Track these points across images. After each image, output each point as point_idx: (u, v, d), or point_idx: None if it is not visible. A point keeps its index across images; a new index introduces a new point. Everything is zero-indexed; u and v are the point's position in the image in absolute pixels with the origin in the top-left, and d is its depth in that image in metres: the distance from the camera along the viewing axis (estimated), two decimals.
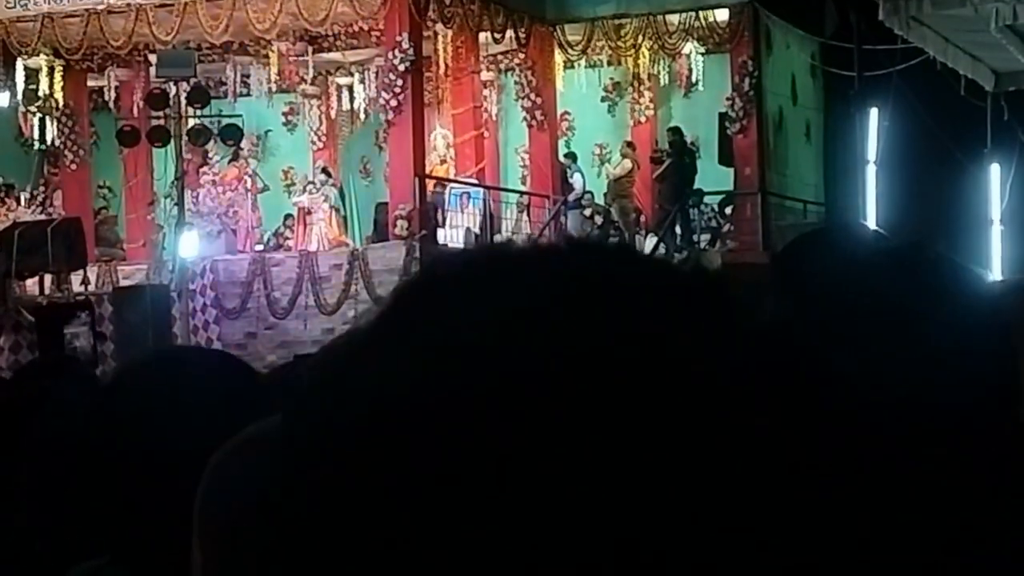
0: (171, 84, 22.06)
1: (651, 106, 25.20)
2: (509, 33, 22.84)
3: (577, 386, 0.69)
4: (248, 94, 24.30)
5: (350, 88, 24.63)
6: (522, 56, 23.66)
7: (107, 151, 24.66)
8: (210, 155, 23.97)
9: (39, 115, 24.06)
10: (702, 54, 24.21)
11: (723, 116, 23.76)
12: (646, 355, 0.70)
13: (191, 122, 22.37)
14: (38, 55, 22.99)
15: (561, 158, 24.14)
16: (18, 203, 23.66)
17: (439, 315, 0.74)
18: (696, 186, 23.28)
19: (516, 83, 24.14)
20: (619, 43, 24.25)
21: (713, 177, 23.45)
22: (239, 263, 21.81)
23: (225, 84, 24.21)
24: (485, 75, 24.49)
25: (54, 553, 2.05)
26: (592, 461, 0.68)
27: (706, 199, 23.16)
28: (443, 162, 23.70)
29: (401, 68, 21.24)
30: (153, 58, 22.57)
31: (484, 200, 22.46)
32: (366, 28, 22.76)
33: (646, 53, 24.49)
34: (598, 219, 23.42)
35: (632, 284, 0.73)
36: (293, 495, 0.76)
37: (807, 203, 24.21)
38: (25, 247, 19.63)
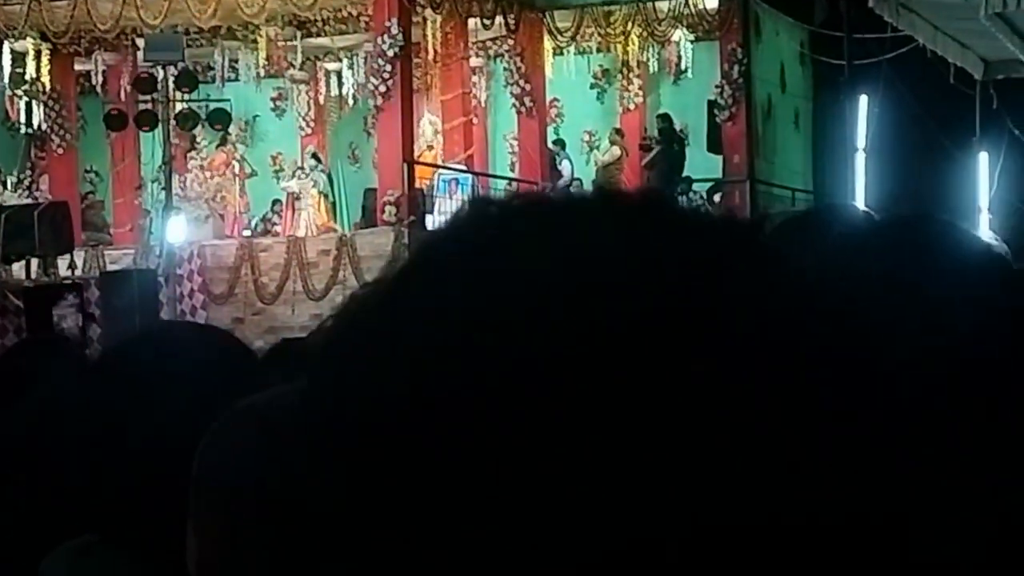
0: (159, 68, 21.99)
1: (640, 93, 25.17)
2: (498, 19, 22.80)
3: (625, 348, 0.67)
4: (236, 79, 24.23)
5: (339, 74, 24.57)
6: (511, 42, 23.62)
7: (94, 135, 24.59)
8: (198, 140, 23.93)
9: (26, 99, 23.97)
10: (691, 41, 24.19)
11: (712, 104, 23.75)
12: (694, 313, 0.69)
13: (179, 106, 22.32)
14: (25, 38, 22.90)
15: (550, 145, 24.11)
16: (4, 187, 23.59)
17: (469, 277, 0.71)
18: (685, 173, 23.27)
19: (505, 69, 24.10)
20: (608, 30, 24.22)
21: (702, 165, 23.44)
22: (227, 248, 21.77)
23: (213, 69, 24.13)
24: (474, 61, 24.45)
25: (42, 530, 2.02)
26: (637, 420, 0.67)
27: (695, 186, 23.14)
28: (431, 148, 23.66)
29: (390, 54, 21.19)
30: (141, 42, 22.47)
31: (473, 186, 22.43)
32: (355, 13, 22.70)
33: (635, 40, 24.46)
34: None
35: (673, 238, 0.72)
36: (314, 466, 0.74)
37: (795, 191, 24.22)
38: (11, 231, 19.57)
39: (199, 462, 1.61)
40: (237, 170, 23.66)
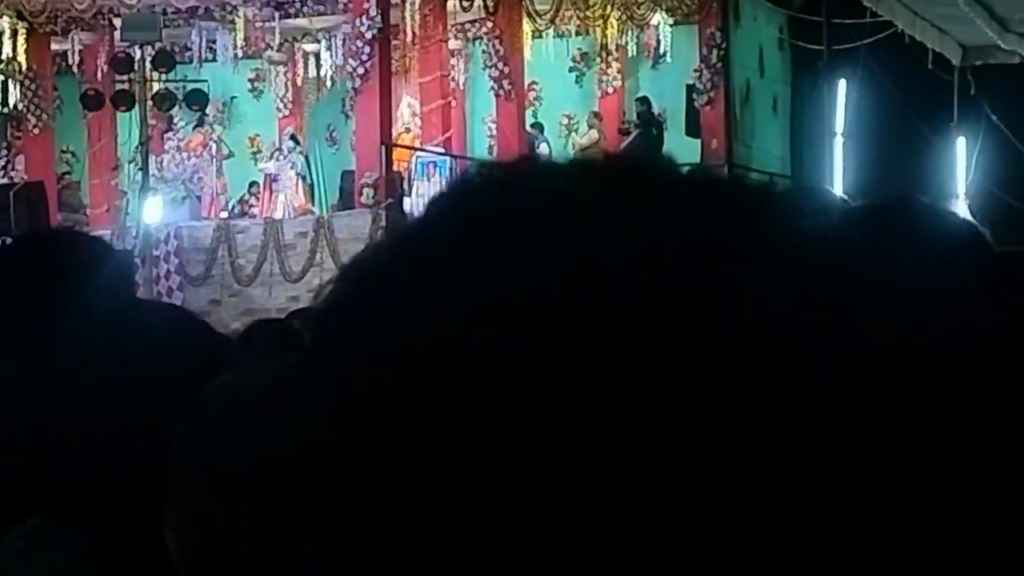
0: (136, 48, 21.89)
1: (619, 77, 25.14)
2: (477, 1, 22.72)
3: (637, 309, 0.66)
4: (214, 60, 24.12)
5: (317, 55, 24.48)
6: (490, 25, 23.55)
7: (71, 115, 24.47)
8: (175, 121, 23.84)
9: (1, 78, 23.83)
10: (670, 25, 24.15)
11: (691, 88, 23.74)
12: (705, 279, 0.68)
13: (156, 87, 22.21)
14: (1, 17, 22.77)
15: (528, 128, 24.07)
16: None
17: (464, 256, 0.70)
18: None
19: (484, 52, 24.04)
20: (587, 13, 24.17)
21: (680, 149, 23.41)
22: (204, 230, 21.70)
23: (190, 49, 24.02)
24: (453, 44, 24.38)
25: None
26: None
27: None
28: (409, 130, 23.60)
29: (368, 35, 21.12)
30: (118, 22, 22.37)
31: (451, 169, 22.39)
32: None
33: (614, 23, 24.41)
34: None
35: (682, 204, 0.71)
36: (304, 445, 0.72)
37: (773, 175, 24.22)
38: None
39: (179, 440, 1.60)
40: (214, 151, 23.57)
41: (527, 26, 24.07)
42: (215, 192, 23.37)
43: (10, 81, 23.85)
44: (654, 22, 24.26)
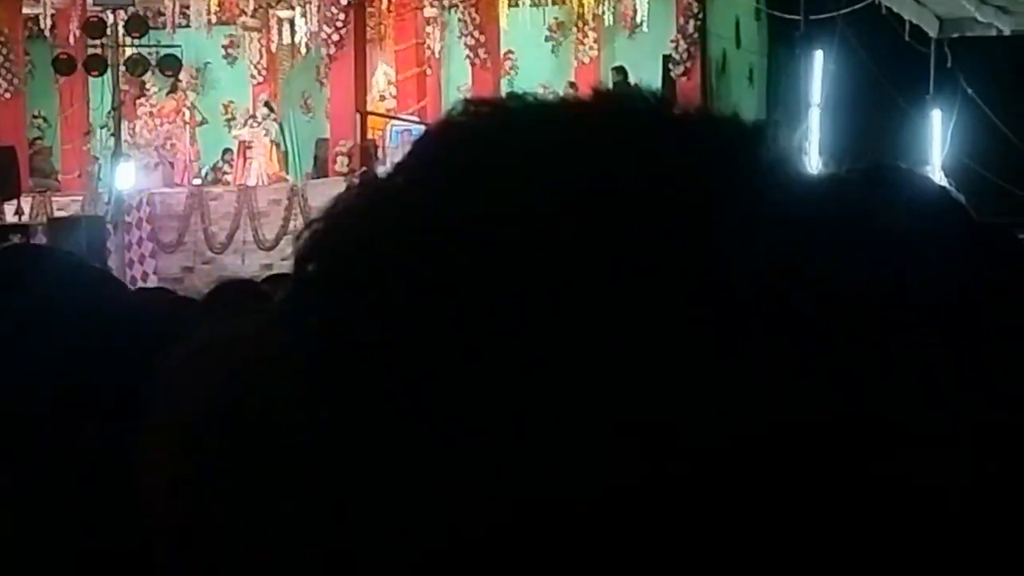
0: (108, 12, 21.82)
1: (595, 47, 25.14)
2: None
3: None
4: (187, 25, 24.06)
5: (291, 21, 24.41)
6: None
7: (42, 80, 24.38)
8: (148, 86, 23.78)
9: None
10: None
11: (667, 58, 23.78)
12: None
13: (128, 52, 22.16)
14: None
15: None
16: None
17: (455, 189, 0.68)
18: None
19: (460, 20, 24.01)
20: None
21: None
22: (176, 196, 21.68)
23: (164, 14, 23.93)
24: (428, 11, 24.34)
25: None
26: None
27: None
28: (384, 99, 23.59)
29: (343, 2, 21.09)
30: None
31: None
32: None
33: None
34: None
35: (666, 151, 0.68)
36: (290, 391, 0.70)
37: None
38: None
39: (147, 398, 1.56)
40: (188, 117, 23.54)
41: None
42: (188, 159, 23.35)
43: None
44: None
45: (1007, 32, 21.13)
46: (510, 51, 25.01)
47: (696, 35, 23.47)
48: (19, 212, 20.41)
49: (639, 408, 0.63)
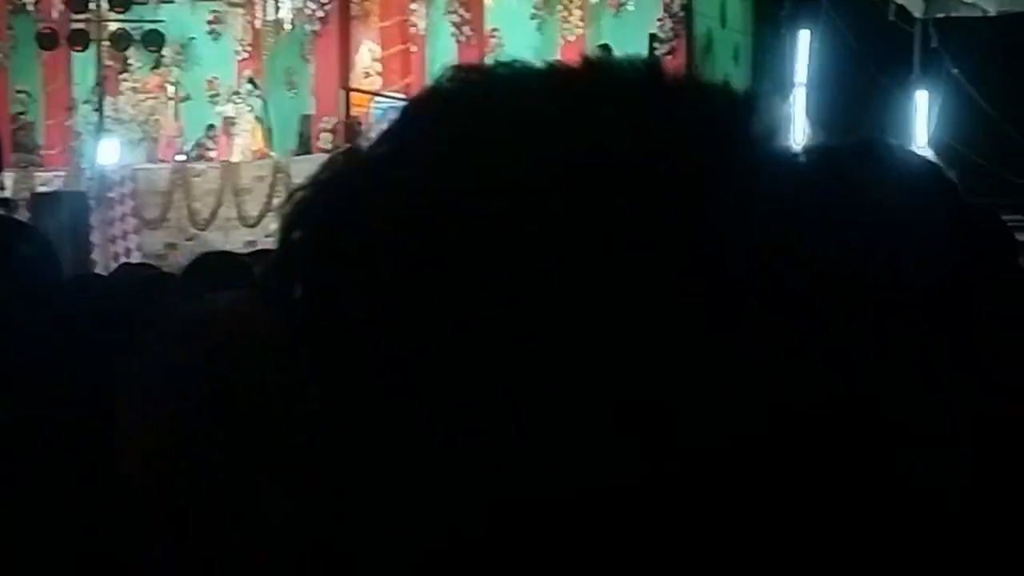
0: None
1: (581, 24, 25.08)
2: None
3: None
4: (171, 0, 23.93)
5: None
6: None
7: (25, 55, 24.24)
8: (131, 61, 23.67)
9: None
10: None
11: (653, 37, 23.74)
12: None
13: (112, 27, 22.04)
14: None
15: None
16: None
17: (445, 159, 0.67)
18: None
19: None
20: None
21: None
22: (160, 172, 21.61)
23: None
24: None
25: None
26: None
27: None
28: (368, 75, 23.52)
29: None
30: None
31: None
32: None
33: None
34: None
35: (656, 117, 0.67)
36: (279, 363, 0.69)
37: None
38: None
39: (129, 372, 1.55)
40: (171, 93, 23.44)
41: None
42: (171, 135, 23.27)
43: None
44: None
45: (992, 12, 21.13)
46: (495, 29, 24.93)
47: (682, 14, 23.43)
48: (1, 187, 20.33)
49: (632, 382, 0.63)
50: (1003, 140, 20.26)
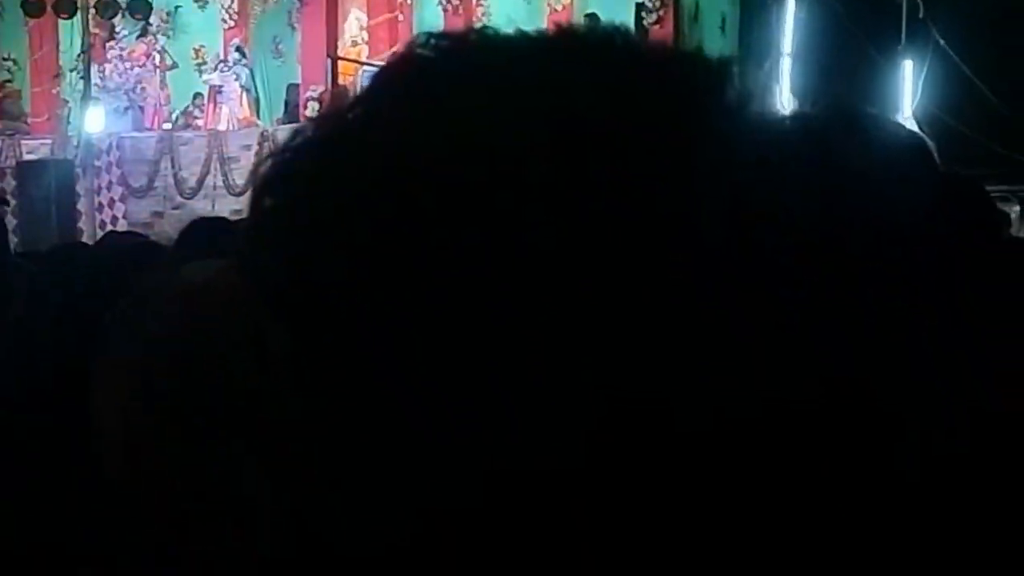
0: None
1: None
2: None
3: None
4: None
5: None
6: None
7: (12, 22, 24.11)
8: (118, 29, 23.54)
9: None
10: None
11: (640, 6, 23.66)
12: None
13: None
14: None
15: None
16: None
17: (418, 122, 0.66)
18: None
19: None
20: None
21: None
22: (146, 141, 21.52)
23: None
24: None
25: None
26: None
27: None
28: (355, 44, 23.42)
29: None
30: None
31: None
32: None
33: None
34: None
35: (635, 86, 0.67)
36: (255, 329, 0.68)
37: None
38: None
39: (106, 340, 1.55)
40: (158, 61, 23.33)
41: None
42: (158, 103, 23.17)
43: None
44: None
45: None
46: None
47: None
48: None
49: (608, 349, 0.62)
50: (989, 110, 20.25)
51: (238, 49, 23.34)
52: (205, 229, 2.98)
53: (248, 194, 0.69)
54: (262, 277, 0.67)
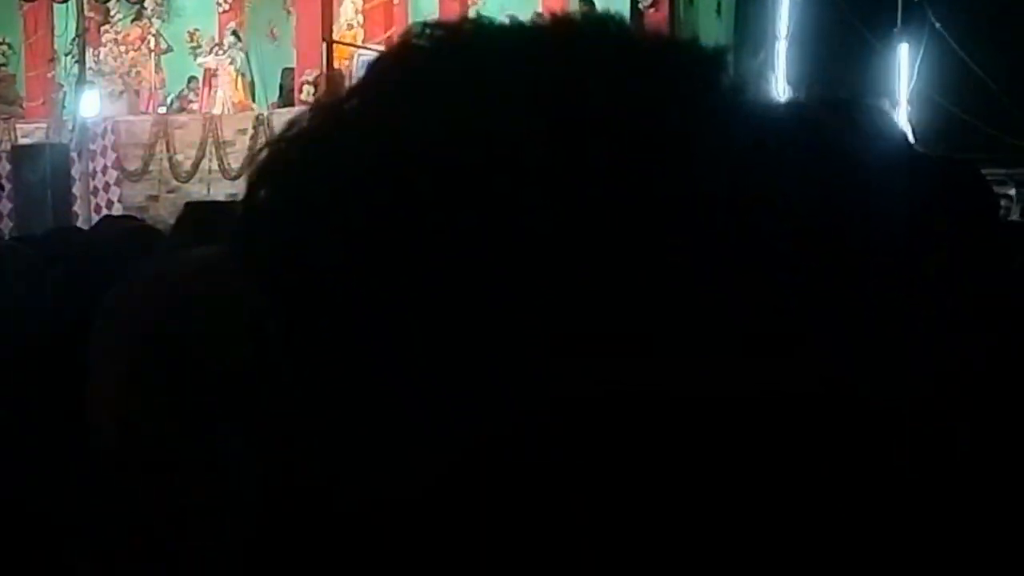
0: None
1: None
2: None
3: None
4: None
5: None
6: None
7: (6, 6, 24.07)
8: (112, 13, 23.51)
9: None
10: None
11: None
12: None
13: None
14: None
15: None
16: None
17: (413, 113, 0.67)
18: None
19: None
20: None
21: None
22: (141, 124, 21.50)
23: None
24: None
25: None
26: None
27: None
28: (351, 28, 23.39)
29: None
30: None
31: None
32: None
33: None
34: None
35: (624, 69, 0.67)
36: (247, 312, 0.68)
37: None
38: None
39: (100, 323, 1.55)
40: (153, 45, 23.29)
41: None
42: (153, 87, 23.14)
43: None
44: None
45: None
46: None
47: None
48: None
49: (604, 332, 0.62)
50: (986, 94, 20.25)
51: (233, 33, 23.31)
52: (201, 212, 2.97)
53: (243, 178, 0.69)
54: (257, 261, 0.67)
